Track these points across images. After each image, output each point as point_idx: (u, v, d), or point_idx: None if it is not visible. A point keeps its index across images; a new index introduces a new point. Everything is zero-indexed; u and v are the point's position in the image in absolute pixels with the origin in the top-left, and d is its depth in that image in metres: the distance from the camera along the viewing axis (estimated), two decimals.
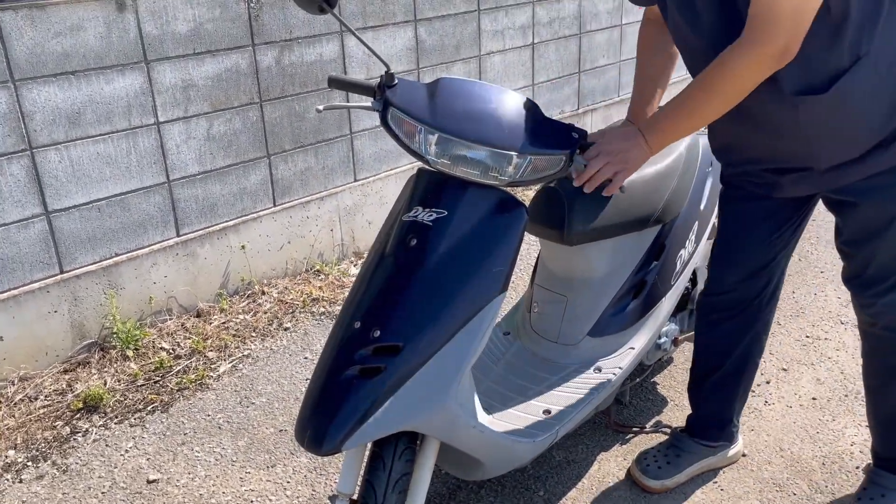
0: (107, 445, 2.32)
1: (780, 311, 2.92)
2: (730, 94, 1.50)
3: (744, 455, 2.15)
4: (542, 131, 1.56)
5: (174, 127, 2.84)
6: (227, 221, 3.09)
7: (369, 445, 1.62)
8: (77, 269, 2.70)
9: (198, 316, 3.02)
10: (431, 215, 1.56)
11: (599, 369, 1.99)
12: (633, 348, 2.02)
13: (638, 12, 4.88)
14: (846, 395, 2.40)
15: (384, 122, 1.57)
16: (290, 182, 3.26)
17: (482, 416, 1.71)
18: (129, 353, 2.74)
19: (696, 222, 2.14)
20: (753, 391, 2.44)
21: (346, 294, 3.21)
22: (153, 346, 2.80)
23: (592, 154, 1.59)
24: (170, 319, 2.96)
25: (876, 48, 1.50)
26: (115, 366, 2.70)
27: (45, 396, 2.54)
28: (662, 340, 2.19)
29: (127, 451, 2.29)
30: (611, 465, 2.13)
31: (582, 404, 1.89)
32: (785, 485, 2.04)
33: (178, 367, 2.69)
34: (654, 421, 2.30)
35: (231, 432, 2.35)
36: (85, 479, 2.17)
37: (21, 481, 2.17)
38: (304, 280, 3.31)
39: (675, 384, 2.48)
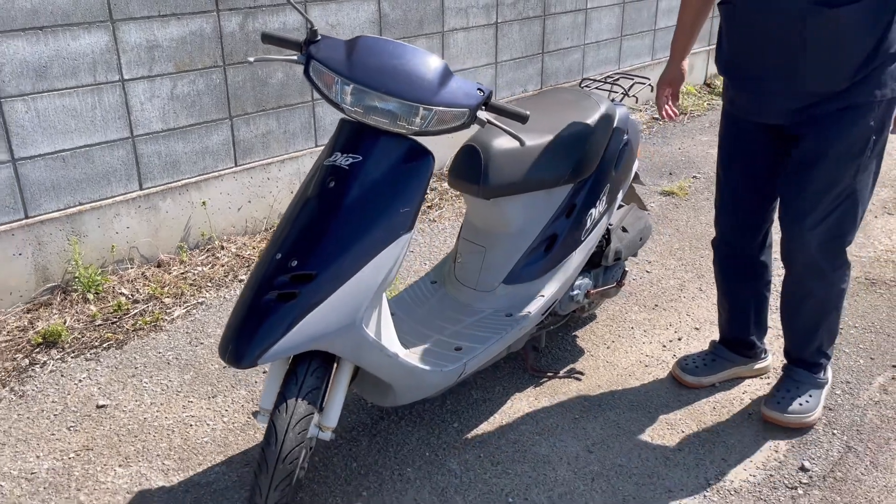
0: (62, 376, 2.50)
1: (703, 278, 3.12)
2: None
3: (769, 372, 2.49)
4: (449, 87, 1.74)
5: (138, 85, 3.00)
6: (188, 178, 3.26)
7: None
8: (41, 215, 2.87)
9: (158, 266, 3.19)
10: (349, 160, 1.74)
11: (510, 314, 2.18)
12: (542, 296, 2.21)
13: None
14: None
15: (306, 74, 1.75)
16: (251, 144, 3.43)
17: (395, 345, 1.90)
18: (90, 296, 2.92)
19: (608, 185, 2.33)
20: (665, 346, 2.65)
21: None
22: (113, 291, 2.97)
23: None
24: (131, 268, 3.13)
25: None
26: (75, 307, 2.87)
27: (7, 332, 2.71)
28: (575, 293, 2.38)
29: (80, 381, 2.47)
30: (522, 404, 2.33)
31: (490, 343, 2.09)
32: (676, 424, 2.24)
33: (136, 311, 2.87)
34: (568, 368, 2.50)
35: (179, 367, 2.54)
36: (39, 404, 2.35)
37: None
38: (263, 238, 3.48)
39: (594, 338, 2.68)
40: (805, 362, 2.29)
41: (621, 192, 2.41)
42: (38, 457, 2.12)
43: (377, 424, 2.24)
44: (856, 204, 2.02)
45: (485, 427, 2.23)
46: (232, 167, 3.39)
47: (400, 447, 2.15)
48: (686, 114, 5.54)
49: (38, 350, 2.63)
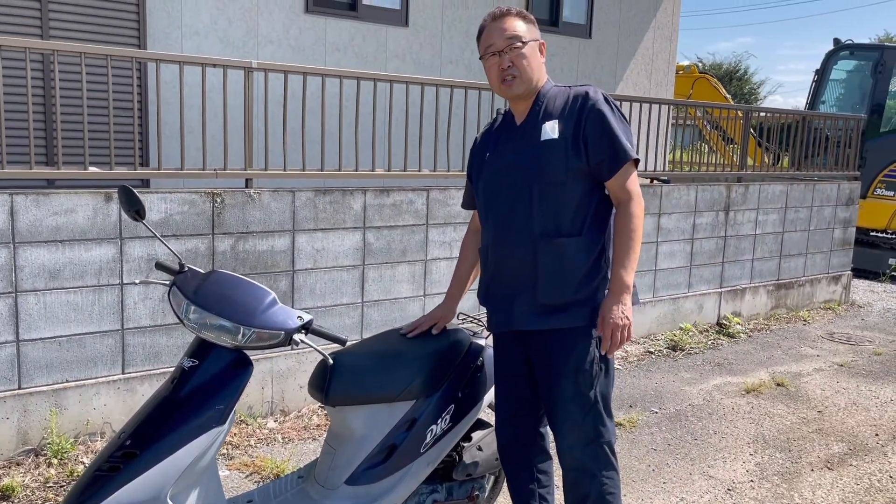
0: None
1: None
2: (642, 228, 2.32)
3: None
4: (269, 314, 2.22)
5: (135, 289, 3.69)
6: (168, 367, 3.82)
7: None
8: (32, 387, 3.47)
9: None
10: (190, 363, 2.22)
11: None
12: (377, 500, 2.49)
13: None
14: None
15: (168, 295, 2.29)
16: None
17: None
18: (54, 461, 3.41)
19: (453, 406, 2.65)
20: None
21: (254, 443, 3.81)
22: (75, 459, 3.46)
23: (602, 328, 2.25)
24: (100, 441, 3.63)
25: (591, 226, 2.35)
26: (39, 469, 3.36)
27: None
28: (423, 502, 2.63)
29: None
30: None
31: None
32: None
33: None
34: None
35: None
36: None
37: None
38: None
39: None
40: None
41: (471, 413, 2.72)
42: None
43: None
44: (600, 409, 2.37)
45: None
46: None
47: None
48: (683, 349, 5.74)
49: None
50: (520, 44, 2.35)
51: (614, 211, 2.38)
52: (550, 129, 2.34)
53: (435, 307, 2.76)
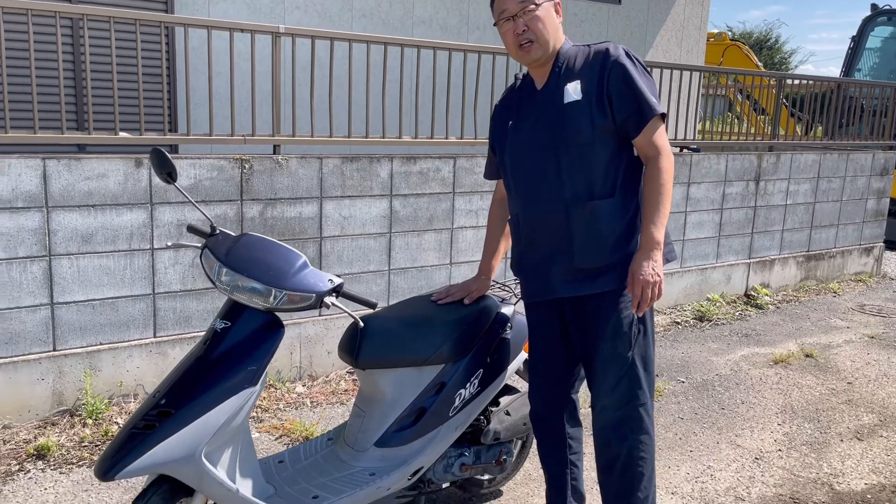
0: (35, 483, 3.01)
1: None
2: (671, 183, 2.27)
3: None
4: (301, 276, 2.22)
5: (165, 253, 3.72)
6: (198, 332, 3.87)
7: None
8: (66, 350, 3.53)
9: None
10: (222, 325, 2.24)
11: (374, 473, 2.49)
12: (406, 462, 2.52)
13: None
14: None
15: (200, 258, 2.31)
16: None
17: (243, 483, 2.26)
18: (89, 421, 3.49)
19: (481, 371, 2.65)
20: None
21: (283, 406, 3.85)
22: (109, 420, 3.53)
23: (631, 285, 2.19)
24: (133, 402, 3.70)
25: (622, 186, 2.30)
26: (75, 429, 3.44)
27: (14, 443, 3.30)
28: (451, 465, 2.65)
29: (46, 488, 2.97)
30: None
31: (345, 496, 2.40)
32: None
33: None
34: None
35: (123, 490, 2.98)
36: (6, 501, 2.86)
37: None
38: None
39: None
40: None
41: (499, 379, 2.72)
42: None
43: None
44: (638, 372, 2.34)
45: None
46: None
47: None
48: (710, 320, 5.69)
49: (28, 460, 3.18)
50: (533, 6, 2.29)
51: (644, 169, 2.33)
52: (573, 91, 2.28)
53: (469, 279, 2.74)
